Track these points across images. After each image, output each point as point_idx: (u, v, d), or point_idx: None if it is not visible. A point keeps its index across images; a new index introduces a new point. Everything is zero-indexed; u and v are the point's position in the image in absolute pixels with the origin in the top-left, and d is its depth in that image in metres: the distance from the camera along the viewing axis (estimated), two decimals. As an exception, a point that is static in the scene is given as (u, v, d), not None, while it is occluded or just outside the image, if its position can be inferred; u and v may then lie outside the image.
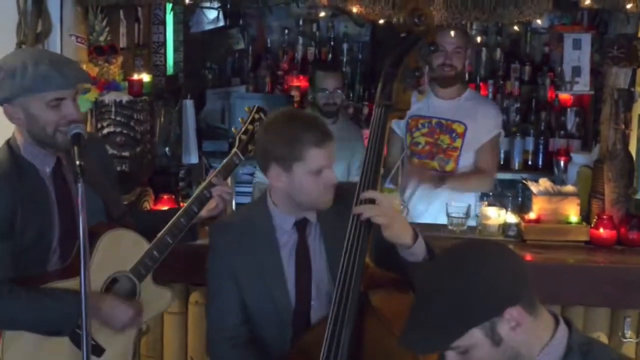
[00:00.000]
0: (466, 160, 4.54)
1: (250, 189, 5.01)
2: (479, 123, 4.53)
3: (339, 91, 4.83)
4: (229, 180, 4.10)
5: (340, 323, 2.66)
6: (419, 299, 2.14)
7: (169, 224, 3.06)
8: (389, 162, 4.47)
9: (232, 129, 3.22)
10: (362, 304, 2.71)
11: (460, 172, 4.54)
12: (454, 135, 4.55)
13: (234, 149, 3.15)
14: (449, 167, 4.55)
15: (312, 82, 4.98)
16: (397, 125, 4.68)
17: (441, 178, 4.42)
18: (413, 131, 4.64)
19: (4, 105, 2.88)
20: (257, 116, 3.17)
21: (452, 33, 4.37)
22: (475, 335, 2.03)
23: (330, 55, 6.44)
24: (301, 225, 2.97)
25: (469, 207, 4.19)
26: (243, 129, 3.15)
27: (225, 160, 3.15)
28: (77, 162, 2.65)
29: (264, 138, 2.89)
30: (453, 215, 4.12)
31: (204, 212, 3.12)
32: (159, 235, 3.03)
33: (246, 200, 5.15)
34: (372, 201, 2.69)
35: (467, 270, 2.07)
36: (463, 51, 4.47)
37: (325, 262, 2.93)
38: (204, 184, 3.12)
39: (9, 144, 2.96)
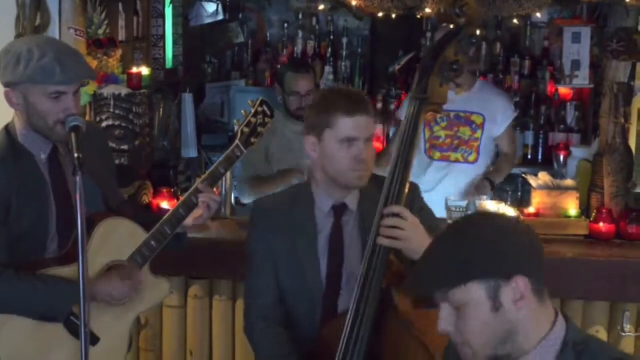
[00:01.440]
0: (486, 150, 4.75)
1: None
2: (496, 113, 4.69)
3: (312, 93, 4.52)
4: (228, 174, 4.13)
5: (360, 318, 2.65)
6: (434, 242, 2.13)
7: (167, 214, 3.05)
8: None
9: (234, 121, 3.19)
10: (383, 301, 2.68)
11: (494, 166, 4.77)
12: (473, 126, 4.68)
13: (236, 141, 3.11)
14: (471, 158, 4.72)
15: (281, 83, 4.64)
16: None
17: (490, 182, 4.58)
18: (432, 125, 4.74)
19: (5, 89, 2.88)
20: (260, 109, 3.14)
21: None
22: (477, 291, 1.97)
23: (329, 49, 6.42)
24: (338, 210, 2.96)
25: (468, 201, 4.19)
26: (245, 122, 3.11)
27: (226, 152, 3.11)
28: (76, 154, 2.64)
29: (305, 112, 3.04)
30: (452, 209, 4.11)
31: (189, 220, 3.08)
32: (157, 225, 3.02)
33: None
34: (396, 214, 2.68)
35: (487, 227, 2.05)
36: None
37: (359, 253, 2.88)
38: (191, 190, 3.08)
39: (7, 128, 2.96)
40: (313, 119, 2.92)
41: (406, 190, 2.78)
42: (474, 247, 1.99)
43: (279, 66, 5.57)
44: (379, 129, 5.67)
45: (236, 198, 4.67)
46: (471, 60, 4.49)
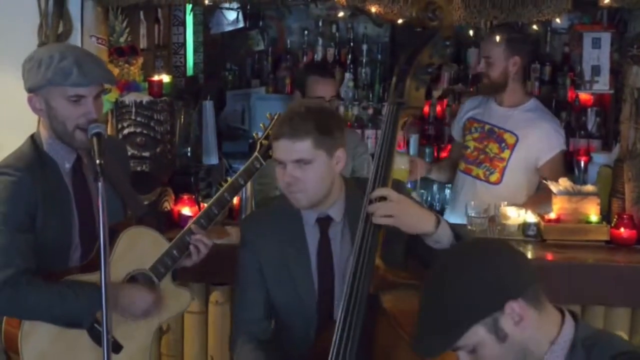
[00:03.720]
0: (514, 175, 4.42)
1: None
2: (534, 138, 4.38)
3: (335, 99, 4.47)
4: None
5: (349, 325, 2.65)
6: (424, 300, 2.17)
7: (188, 224, 3.08)
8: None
9: (254, 134, 3.25)
10: (372, 306, 2.68)
11: (531, 197, 4.42)
12: (503, 145, 4.43)
13: (255, 153, 3.18)
14: (493, 178, 4.45)
15: (302, 87, 4.51)
16: (454, 130, 4.78)
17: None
18: (466, 134, 4.61)
19: (29, 95, 2.92)
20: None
21: (483, 44, 4.45)
22: (479, 333, 2.03)
23: (349, 57, 6.44)
24: (323, 223, 2.97)
25: (488, 207, 4.18)
26: (264, 135, 3.19)
27: (245, 165, 3.18)
28: (98, 161, 2.66)
29: None
30: (473, 215, 4.11)
31: (187, 261, 3.12)
32: (179, 234, 3.05)
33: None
34: (383, 198, 2.68)
35: (466, 268, 2.08)
36: (496, 60, 4.40)
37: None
38: (184, 230, 3.12)
39: (33, 138, 3.00)
40: None
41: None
42: (461, 296, 2.05)
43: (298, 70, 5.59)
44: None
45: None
46: (524, 81, 4.49)
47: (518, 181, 4.43)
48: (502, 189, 4.40)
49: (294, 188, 2.86)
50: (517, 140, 4.39)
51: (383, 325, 2.68)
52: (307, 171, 2.84)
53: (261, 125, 3.22)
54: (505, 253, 2.12)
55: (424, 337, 2.11)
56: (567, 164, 5.65)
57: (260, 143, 3.18)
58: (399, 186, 2.94)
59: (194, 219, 3.13)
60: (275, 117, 3.21)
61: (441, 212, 5.62)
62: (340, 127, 2.94)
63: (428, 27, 2.94)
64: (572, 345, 2.05)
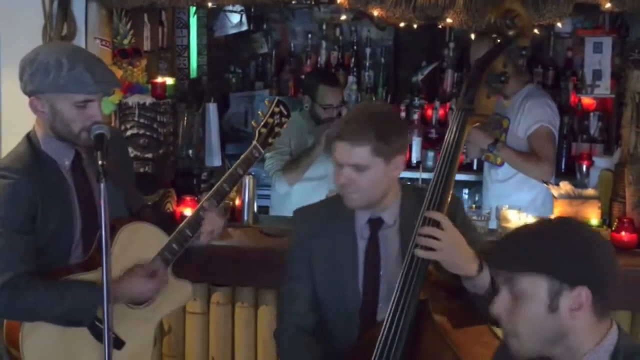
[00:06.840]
0: None
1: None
2: (523, 117, 4.52)
3: (342, 105, 4.80)
4: (252, 180, 4.20)
5: (395, 328, 2.63)
6: (525, 226, 2.25)
7: (187, 218, 3.09)
8: None
9: (252, 122, 3.20)
10: (420, 312, 2.66)
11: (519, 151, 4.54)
12: (501, 130, 4.62)
13: (254, 142, 3.13)
14: (498, 161, 4.66)
15: (311, 94, 4.78)
16: None
17: (501, 144, 4.41)
18: None
19: (31, 98, 2.90)
20: (276, 109, 3.16)
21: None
22: (540, 286, 2.00)
23: (353, 60, 6.46)
24: (374, 224, 2.96)
25: (489, 210, 4.20)
26: (263, 123, 3.13)
27: (244, 154, 3.13)
28: (100, 162, 2.67)
29: None
30: (474, 218, 4.12)
31: (204, 238, 3.12)
32: (178, 228, 3.05)
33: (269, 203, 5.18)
34: (436, 223, 2.64)
35: (575, 233, 2.08)
36: None
37: (399, 268, 2.82)
38: (197, 207, 3.11)
39: (29, 137, 2.98)
40: None
41: (448, 200, 2.75)
42: (555, 245, 2.03)
43: (303, 76, 5.65)
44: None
45: (259, 207, 4.69)
46: (521, 72, 4.49)
47: None
48: (506, 167, 4.62)
49: (349, 189, 2.87)
50: (509, 123, 4.57)
51: (429, 332, 2.66)
52: (363, 175, 2.84)
53: (259, 112, 3.17)
54: (611, 250, 2.11)
55: (501, 249, 2.16)
56: (569, 168, 5.71)
57: (259, 131, 3.13)
58: (457, 204, 2.94)
59: (199, 205, 3.12)
60: (274, 103, 3.16)
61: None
62: (401, 134, 2.91)
63: (505, 35, 2.88)
64: (614, 353, 2.04)
